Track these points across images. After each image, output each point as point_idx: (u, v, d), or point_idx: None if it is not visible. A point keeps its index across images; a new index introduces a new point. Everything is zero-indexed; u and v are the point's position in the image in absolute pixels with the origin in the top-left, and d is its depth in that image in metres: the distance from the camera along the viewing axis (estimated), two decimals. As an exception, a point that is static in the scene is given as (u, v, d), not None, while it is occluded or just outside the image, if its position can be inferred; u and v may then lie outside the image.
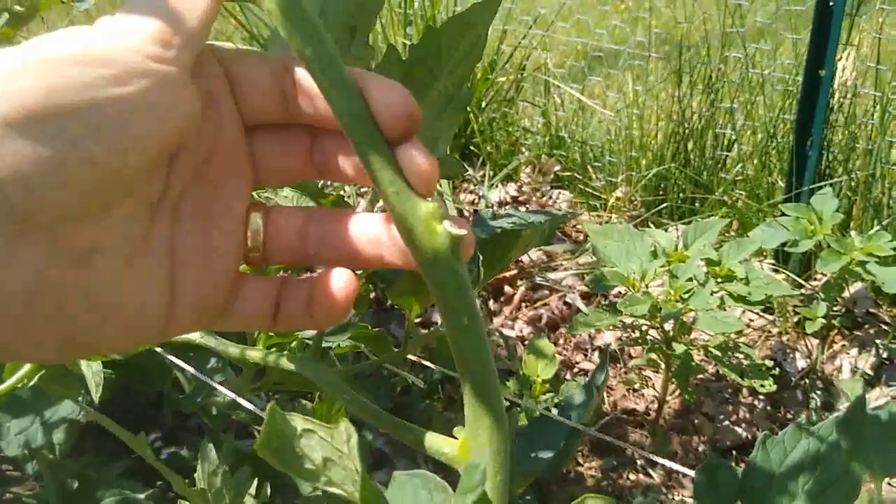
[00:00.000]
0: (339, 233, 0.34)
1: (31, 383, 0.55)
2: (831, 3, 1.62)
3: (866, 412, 0.34)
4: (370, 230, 0.33)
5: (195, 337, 0.48)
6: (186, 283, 0.31)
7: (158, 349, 0.74)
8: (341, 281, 0.33)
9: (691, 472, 0.60)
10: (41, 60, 0.26)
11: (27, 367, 0.55)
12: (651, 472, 1.37)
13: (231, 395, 0.73)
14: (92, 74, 0.26)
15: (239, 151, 0.33)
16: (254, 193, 0.35)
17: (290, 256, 0.34)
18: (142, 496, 0.98)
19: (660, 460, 0.68)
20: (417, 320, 1.71)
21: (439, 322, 1.66)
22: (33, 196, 0.24)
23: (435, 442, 0.34)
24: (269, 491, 0.81)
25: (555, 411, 1.30)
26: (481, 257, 0.50)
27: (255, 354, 0.47)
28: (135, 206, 0.29)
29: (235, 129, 0.32)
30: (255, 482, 0.80)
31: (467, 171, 2.23)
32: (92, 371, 0.59)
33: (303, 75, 0.31)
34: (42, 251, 0.25)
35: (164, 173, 0.30)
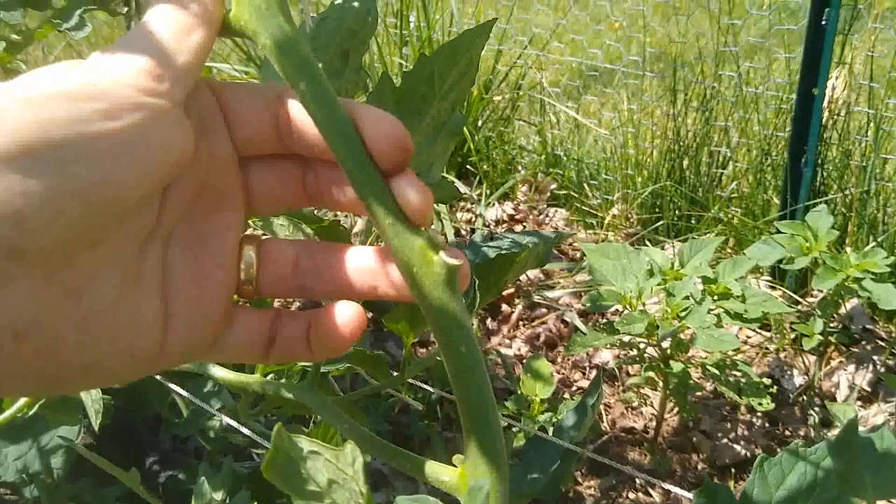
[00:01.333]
0: (332, 265, 0.34)
1: (32, 412, 0.55)
2: (824, 22, 1.64)
3: (859, 435, 0.34)
4: (364, 263, 0.33)
5: (194, 365, 0.48)
6: (178, 314, 0.31)
7: (157, 375, 0.74)
8: (347, 315, 0.33)
9: (688, 494, 0.60)
10: (32, 96, 0.26)
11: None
12: (651, 490, 1.36)
13: (228, 420, 0.73)
14: (84, 109, 0.26)
15: (232, 181, 0.33)
16: (248, 223, 0.35)
17: (284, 289, 0.34)
18: (139, 520, 0.97)
19: (657, 482, 0.68)
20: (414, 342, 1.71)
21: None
22: (25, 230, 0.24)
23: (434, 470, 0.34)
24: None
25: (551, 431, 1.30)
26: (477, 282, 0.51)
27: (253, 382, 0.47)
28: (126, 237, 0.29)
29: (229, 160, 0.32)
30: (254, 506, 0.80)
31: (463, 193, 2.24)
32: (91, 398, 0.59)
33: (296, 106, 0.32)
34: (34, 285, 0.25)
35: (156, 205, 0.30)
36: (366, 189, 0.32)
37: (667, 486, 0.68)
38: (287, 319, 0.34)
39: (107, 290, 0.28)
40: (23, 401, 0.55)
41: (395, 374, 0.57)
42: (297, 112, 0.32)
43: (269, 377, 0.48)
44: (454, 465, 0.36)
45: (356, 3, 0.48)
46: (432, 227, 0.33)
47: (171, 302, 0.31)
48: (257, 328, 0.33)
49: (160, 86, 0.28)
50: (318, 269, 0.34)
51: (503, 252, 0.50)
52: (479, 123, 2.44)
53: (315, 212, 0.55)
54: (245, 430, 0.64)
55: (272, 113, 0.32)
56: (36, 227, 0.25)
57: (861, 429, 0.42)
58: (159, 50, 0.29)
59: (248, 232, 0.34)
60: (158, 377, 0.77)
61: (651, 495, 1.36)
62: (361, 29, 0.49)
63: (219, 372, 0.48)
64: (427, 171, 0.48)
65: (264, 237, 0.35)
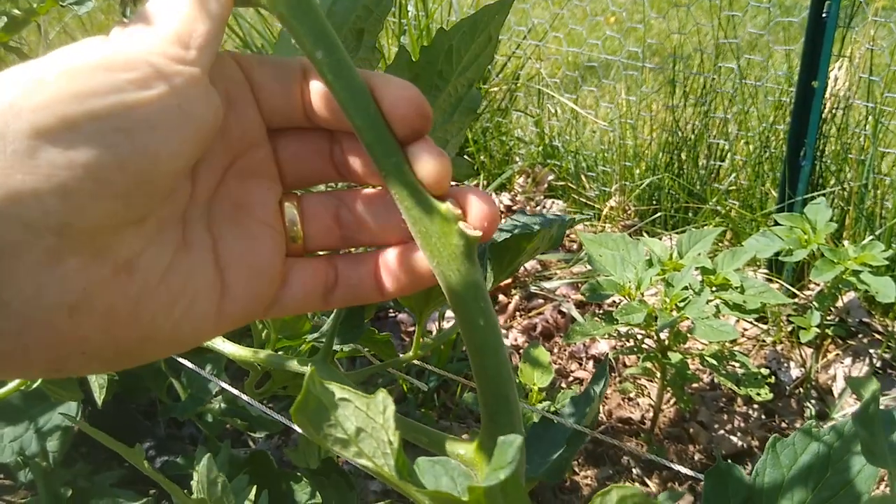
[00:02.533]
0: (372, 212, 0.34)
1: (35, 386, 0.55)
2: (824, 15, 1.63)
3: (880, 409, 0.34)
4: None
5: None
6: (232, 278, 0.31)
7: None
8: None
9: (689, 472, 0.60)
10: (66, 69, 0.26)
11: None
12: (648, 480, 1.36)
13: (236, 392, 0.72)
14: (117, 79, 0.26)
15: (263, 152, 0.33)
16: None
17: (330, 240, 0.34)
18: (136, 504, 0.97)
19: (659, 459, 0.68)
20: (410, 329, 1.71)
21: (434, 331, 1.66)
22: (72, 204, 0.24)
23: (451, 444, 0.34)
24: (266, 499, 0.80)
25: (550, 417, 1.30)
26: (490, 263, 0.50)
27: (262, 356, 0.46)
28: (167, 212, 0.29)
29: (258, 132, 0.32)
30: (253, 490, 0.79)
31: (476, 171, 2.23)
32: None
33: (319, 83, 0.32)
34: (84, 261, 0.25)
35: (189, 179, 0.30)
36: (384, 158, 0.31)
37: (669, 464, 0.68)
38: (349, 264, 0.34)
39: (156, 263, 0.28)
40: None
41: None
42: (320, 86, 0.32)
43: (279, 353, 0.47)
44: (469, 439, 0.36)
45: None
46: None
47: (225, 267, 0.31)
48: (312, 279, 0.34)
49: (187, 53, 0.28)
50: (358, 218, 0.34)
51: (517, 233, 0.50)
52: (477, 114, 2.43)
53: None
54: (252, 402, 0.63)
55: (297, 85, 0.32)
56: (81, 200, 0.25)
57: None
58: (181, 19, 0.29)
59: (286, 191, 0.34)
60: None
61: (648, 485, 1.36)
62: (376, 7, 0.48)
63: (226, 347, 0.48)
64: (443, 148, 0.47)
65: (302, 193, 0.35)
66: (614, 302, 1.76)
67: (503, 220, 0.54)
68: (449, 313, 1.64)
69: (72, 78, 0.25)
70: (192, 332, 0.30)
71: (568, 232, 2.09)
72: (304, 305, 0.34)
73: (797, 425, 1.48)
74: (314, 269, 0.34)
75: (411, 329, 1.70)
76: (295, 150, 0.33)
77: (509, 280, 1.88)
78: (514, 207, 2.26)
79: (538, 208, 2.25)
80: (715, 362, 1.33)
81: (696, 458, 1.41)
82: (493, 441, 0.34)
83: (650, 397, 1.55)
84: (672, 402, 1.51)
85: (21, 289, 0.24)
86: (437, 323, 1.69)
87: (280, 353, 0.49)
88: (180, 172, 0.28)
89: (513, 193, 2.30)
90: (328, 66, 0.31)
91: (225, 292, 0.31)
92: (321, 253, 0.35)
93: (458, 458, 0.34)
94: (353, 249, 0.37)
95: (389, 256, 0.34)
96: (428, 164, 0.31)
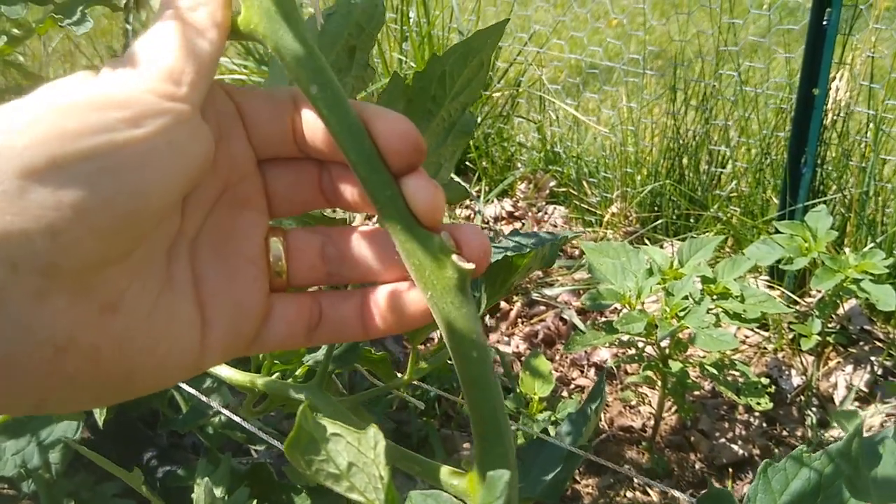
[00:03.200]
0: (357, 250, 0.34)
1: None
2: (825, 22, 1.63)
3: (864, 440, 0.34)
4: (389, 245, 0.33)
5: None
6: (214, 315, 0.31)
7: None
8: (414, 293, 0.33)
9: (685, 496, 0.60)
10: (55, 108, 0.26)
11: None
12: (649, 490, 1.36)
13: (229, 415, 0.73)
14: (108, 117, 0.26)
15: (252, 184, 0.33)
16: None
17: (314, 277, 0.34)
18: (137, 516, 0.97)
19: (655, 483, 0.68)
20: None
21: (436, 339, 1.66)
22: (60, 245, 0.24)
23: (444, 474, 0.34)
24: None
25: (551, 429, 1.30)
26: (483, 284, 0.51)
27: (259, 381, 0.47)
28: (154, 246, 0.29)
29: (248, 163, 0.32)
30: (255, 502, 0.80)
31: (470, 194, 2.23)
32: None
33: (310, 111, 0.32)
34: (69, 301, 0.25)
35: (179, 212, 0.30)
36: (378, 192, 0.32)
37: (663, 487, 0.68)
38: (334, 300, 0.34)
39: (141, 300, 0.28)
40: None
41: (399, 374, 0.57)
42: (312, 116, 0.32)
43: (274, 376, 0.48)
44: (462, 469, 0.36)
45: None
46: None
47: (205, 304, 0.31)
48: (296, 315, 0.33)
49: (178, 90, 0.28)
50: (343, 255, 0.34)
51: (509, 253, 0.50)
52: (479, 120, 2.43)
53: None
54: (248, 426, 0.64)
55: (288, 117, 0.32)
56: (69, 241, 0.25)
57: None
58: (173, 57, 0.29)
59: (271, 223, 0.35)
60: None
61: (649, 494, 1.36)
62: (368, 24, 0.49)
63: (224, 371, 0.48)
64: (437, 172, 0.48)
65: (289, 228, 0.35)
66: (616, 309, 1.76)
67: (497, 241, 0.55)
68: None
69: (61, 117, 0.25)
70: (174, 370, 0.30)
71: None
72: (286, 342, 0.34)
73: (798, 434, 1.48)
74: (298, 306, 0.34)
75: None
76: (284, 180, 0.33)
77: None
78: (516, 213, 2.26)
79: (540, 214, 2.25)
80: (715, 371, 1.33)
81: (696, 466, 1.41)
82: (485, 472, 0.34)
83: (651, 405, 1.55)
84: (673, 410, 1.51)
85: (6, 329, 0.24)
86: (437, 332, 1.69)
87: (276, 375, 0.49)
88: (169, 209, 0.28)
89: (514, 199, 2.30)
90: (323, 101, 0.31)
91: (206, 329, 0.31)
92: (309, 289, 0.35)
93: (450, 487, 0.34)
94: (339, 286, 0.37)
95: (377, 295, 0.34)
96: (422, 198, 0.31)
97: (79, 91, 0.27)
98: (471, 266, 0.32)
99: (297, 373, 0.52)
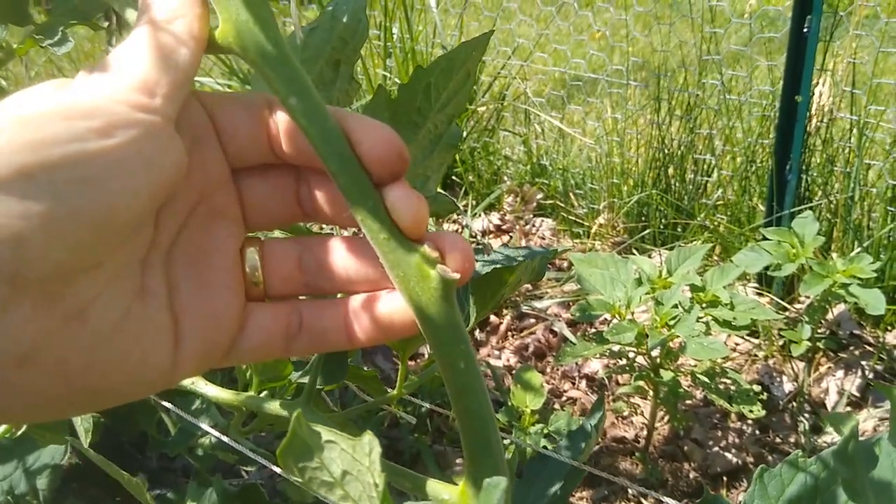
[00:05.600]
0: (335, 260, 0.33)
1: (20, 432, 0.54)
2: (806, 30, 1.65)
3: (859, 443, 0.34)
4: (368, 255, 0.33)
5: (185, 382, 0.47)
6: (189, 326, 0.30)
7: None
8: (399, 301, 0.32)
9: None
10: (24, 117, 0.25)
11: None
12: (643, 501, 1.36)
13: (218, 435, 0.72)
14: (79, 127, 0.26)
15: (227, 195, 0.32)
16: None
17: (291, 287, 0.34)
18: (128, 541, 0.96)
19: (649, 493, 0.67)
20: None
21: (426, 354, 1.65)
22: (25, 255, 0.24)
23: (434, 489, 0.34)
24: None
25: (544, 442, 1.29)
26: (472, 297, 0.50)
27: (247, 401, 0.46)
28: (125, 258, 0.28)
29: (222, 174, 0.32)
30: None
31: (458, 207, 2.23)
32: (80, 416, 0.57)
33: (285, 115, 0.31)
34: (34, 311, 0.25)
35: (151, 223, 0.29)
36: (359, 202, 0.31)
37: (658, 496, 0.68)
38: (315, 310, 0.33)
39: (110, 311, 0.27)
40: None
41: (389, 390, 0.57)
42: (288, 121, 0.31)
43: (262, 394, 0.47)
44: (453, 483, 0.36)
45: (345, 13, 0.47)
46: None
47: (179, 315, 0.30)
48: (273, 325, 0.33)
49: (152, 102, 0.28)
50: (321, 266, 0.33)
51: (498, 267, 0.49)
52: (465, 134, 2.44)
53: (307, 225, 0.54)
54: (238, 447, 0.63)
55: (263, 123, 0.31)
56: (35, 250, 0.24)
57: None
58: (148, 67, 0.28)
59: (249, 235, 0.34)
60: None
61: (643, 505, 1.35)
62: (352, 38, 0.49)
63: (211, 390, 0.47)
64: (423, 185, 0.47)
65: (265, 238, 0.34)
66: (606, 320, 1.76)
67: (486, 255, 0.54)
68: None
69: (30, 126, 0.25)
70: (144, 382, 0.29)
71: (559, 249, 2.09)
72: (263, 352, 0.33)
73: (791, 440, 1.48)
74: (274, 315, 0.33)
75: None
76: (260, 191, 0.33)
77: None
78: (504, 227, 2.26)
79: (527, 227, 2.25)
80: (707, 380, 1.33)
81: (690, 476, 1.41)
82: (476, 483, 0.34)
83: (643, 416, 1.54)
84: (665, 420, 1.50)
85: None
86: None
87: (264, 393, 0.49)
88: (139, 220, 0.28)
89: (502, 213, 2.30)
90: (302, 112, 0.31)
91: (179, 341, 0.30)
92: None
93: (441, 502, 0.34)
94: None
95: (361, 304, 0.33)
96: (405, 208, 0.31)
97: (49, 100, 0.26)
98: (455, 276, 0.32)
99: (285, 390, 0.51)
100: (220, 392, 0.47)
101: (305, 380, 0.50)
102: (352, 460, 0.28)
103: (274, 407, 0.44)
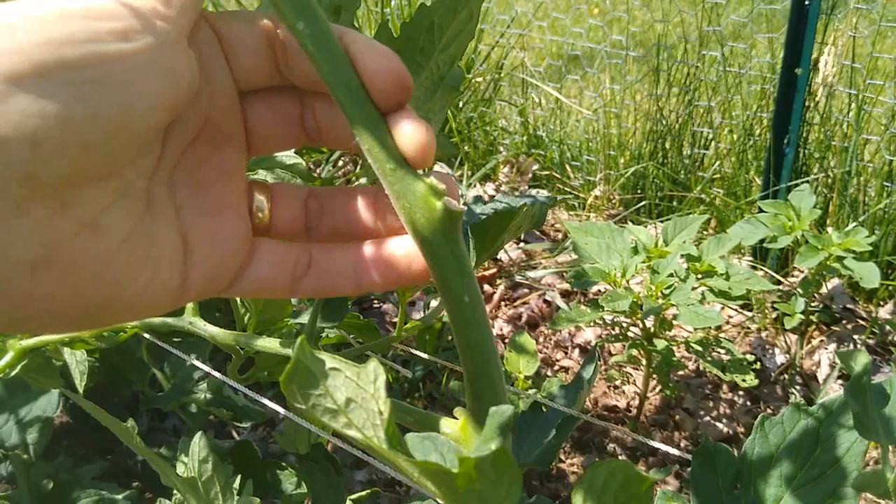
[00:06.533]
0: (340, 207, 0.33)
1: (14, 373, 0.54)
2: (807, 3, 1.63)
3: (871, 382, 0.34)
4: (373, 206, 0.33)
5: (184, 323, 0.47)
6: (197, 248, 0.30)
7: (146, 335, 0.72)
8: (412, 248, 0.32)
9: (675, 451, 0.59)
10: (42, 13, 0.25)
11: (9, 355, 0.53)
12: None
13: (222, 377, 0.71)
14: (97, 28, 0.25)
15: (233, 118, 0.32)
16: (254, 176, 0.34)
17: (294, 229, 0.34)
18: (119, 497, 0.96)
19: (644, 439, 0.67)
20: (395, 319, 1.70)
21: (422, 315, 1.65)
22: (39, 154, 0.24)
23: (437, 423, 0.33)
24: (251, 488, 0.80)
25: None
26: (473, 241, 0.50)
27: (246, 339, 0.45)
28: (134, 173, 0.28)
29: (229, 95, 0.31)
30: (238, 479, 0.78)
31: (459, 150, 2.23)
32: (76, 360, 0.57)
33: (292, 37, 0.31)
34: (49, 214, 0.25)
35: (159, 142, 0.29)
36: (366, 132, 0.30)
37: (656, 444, 0.68)
38: (325, 251, 0.33)
39: (121, 223, 0.27)
40: (5, 360, 0.53)
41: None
42: (294, 42, 0.30)
43: (262, 335, 0.46)
44: (455, 418, 0.35)
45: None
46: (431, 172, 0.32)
47: (188, 237, 0.30)
48: (281, 261, 0.33)
49: (169, 10, 0.27)
50: (324, 211, 0.33)
51: (500, 211, 0.49)
52: (461, 104, 2.42)
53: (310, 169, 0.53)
54: (241, 388, 0.62)
55: (269, 42, 0.31)
56: (50, 150, 0.24)
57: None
58: None
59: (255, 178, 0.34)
60: (146, 335, 0.76)
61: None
62: (354, -17, 0.48)
63: (210, 329, 0.47)
64: (425, 124, 0.46)
65: (273, 183, 0.34)
66: (599, 291, 1.76)
67: (485, 203, 0.54)
68: (434, 302, 1.63)
69: (48, 23, 0.24)
70: (155, 298, 0.29)
71: (553, 221, 2.09)
72: (270, 286, 0.33)
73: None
74: (284, 251, 0.33)
75: (396, 320, 1.69)
76: (265, 115, 0.33)
77: (494, 270, 1.88)
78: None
79: (523, 198, 2.25)
80: (700, 349, 1.33)
81: (681, 444, 1.42)
82: (479, 418, 0.33)
83: (636, 385, 1.55)
84: (658, 389, 1.51)
85: None
86: (422, 312, 1.68)
87: (262, 334, 0.48)
88: (152, 133, 0.27)
89: (497, 184, 2.30)
90: (310, 38, 0.30)
91: (188, 260, 0.30)
92: None
93: (443, 435, 0.33)
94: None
95: (375, 248, 0.33)
96: (410, 136, 0.30)
97: None
98: (462, 207, 0.31)
99: (283, 332, 0.51)
100: (219, 332, 0.47)
101: (305, 320, 0.49)
102: (356, 387, 0.28)
103: (273, 345, 0.44)
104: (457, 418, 0.34)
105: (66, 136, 0.24)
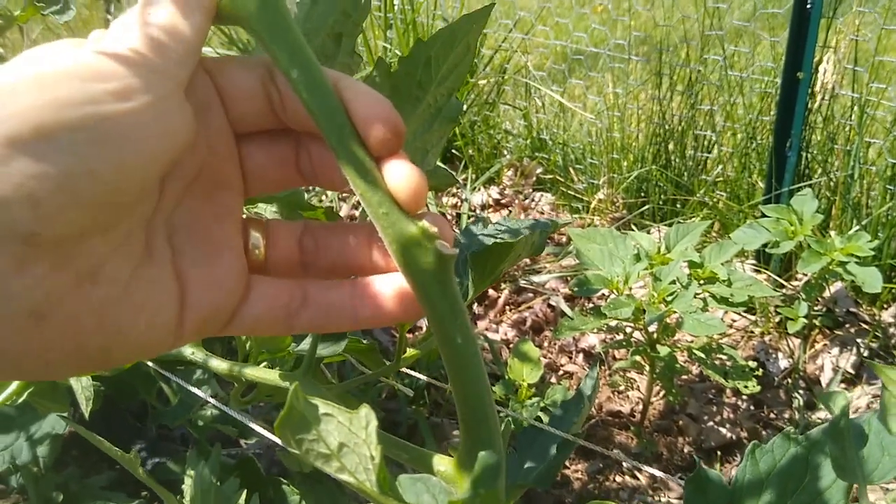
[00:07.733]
0: (334, 244, 0.34)
1: (21, 400, 0.55)
2: (809, 6, 1.64)
3: (850, 421, 0.35)
4: (367, 242, 0.34)
5: (187, 353, 0.48)
6: (193, 290, 0.31)
7: (149, 362, 0.74)
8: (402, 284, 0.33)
9: (674, 478, 0.60)
10: (42, 76, 0.26)
11: (16, 383, 0.55)
12: (637, 474, 1.37)
13: (218, 405, 0.72)
14: (95, 90, 0.26)
15: (229, 162, 0.33)
16: (252, 213, 0.35)
17: (290, 265, 0.34)
18: (126, 507, 0.97)
19: (644, 467, 0.68)
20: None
21: (424, 328, 1.66)
22: (40, 214, 0.25)
23: (433, 461, 0.34)
24: (258, 501, 0.81)
25: (541, 414, 1.30)
26: (471, 271, 0.50)
27: (247, 371, 0.46)
28: (133, 222, 0.29)
29: (226, 139, 0.32)
30: (244, 494, 0.79)
31: (457, 181, 2.23)
32: (82, 385, 0.58)
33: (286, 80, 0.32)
34: (49, 269, 0.26)
35: (158, 189, 0.30)
36: (359, 178, 0.31)
37: (652, 470, 0.69)
38: (321, 287, 0.34)
39: (120, 272, 0.28)
40: (12, 388, 0.54)
41: (387, 363, 0.57)
42: (289, 85, 0.31)
43: (262, 365, 0.47)
44: (449, 454, 0.36)
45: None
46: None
47: (185, 280, 0.31)
48: (276, 299, 0.33)
49: (165, 66, 0.28)
50: (319, 247, 0.34)
51: (498, 240, 0.50)
52: (465, 108, 2.43)
53: (309, 195, 0.54)
54: (238, 416, 0.64)
55: (264, 86, 0.32)
56: (50, 210, 0.25)
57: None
58: (160, 33, 0.29)
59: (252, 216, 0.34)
60: (150, 363, 0.77)
61: (638, 478, 1.37)
62: (354, 12, 0.48)
63: (212, 361, 0.48)
64: (423, 158, 0.47)
65: (269, 219, 0.35)
66: (604, 295, 1.76)
67: (484, 227, 0.54)
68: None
69: (47, 86, 0.25)
70: (153, 341, 0.30)
71: (557, 225, 2.09)
72: (266, 323, 0.34)
73: (785, 416, 1.49)
74: (279, 288, 0.34)
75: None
76: (260, 157, 0.33)
77: (499, 274, 1.88)
78: (503, 201, 2.26)
79: (527, 201, 2.25)
80: (703, 355, 1.34)
81: (685, 450, 1.42)
82: (473, 456, 0.34)
83: (640, 390, 1.56)
84: (661, 394, 1.51)
85: None
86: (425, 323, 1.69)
87: (263, 364, 0.49)
88: (150, 184, 0.28)
89: (501, 187, 2.30)
90: (304, 85, 0.31)
91: (185, 303, 0.31)
92: None
93: (438, 473, 0.34)
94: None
95: (371, 283, 0.33)
96: (403, 181, 0.31)
97: (66, 59, 0.27)
98: (454, 251, 0.32)
99: (284, 362, 0.52)
100: (220, 363, 0.48)
101: (306, 347, 0.50)
102: (348, 433, 0.29)
103: (273, 377, 0.45)
104: (451, 455, 0.35)
105: (66, 196, 0.25)
